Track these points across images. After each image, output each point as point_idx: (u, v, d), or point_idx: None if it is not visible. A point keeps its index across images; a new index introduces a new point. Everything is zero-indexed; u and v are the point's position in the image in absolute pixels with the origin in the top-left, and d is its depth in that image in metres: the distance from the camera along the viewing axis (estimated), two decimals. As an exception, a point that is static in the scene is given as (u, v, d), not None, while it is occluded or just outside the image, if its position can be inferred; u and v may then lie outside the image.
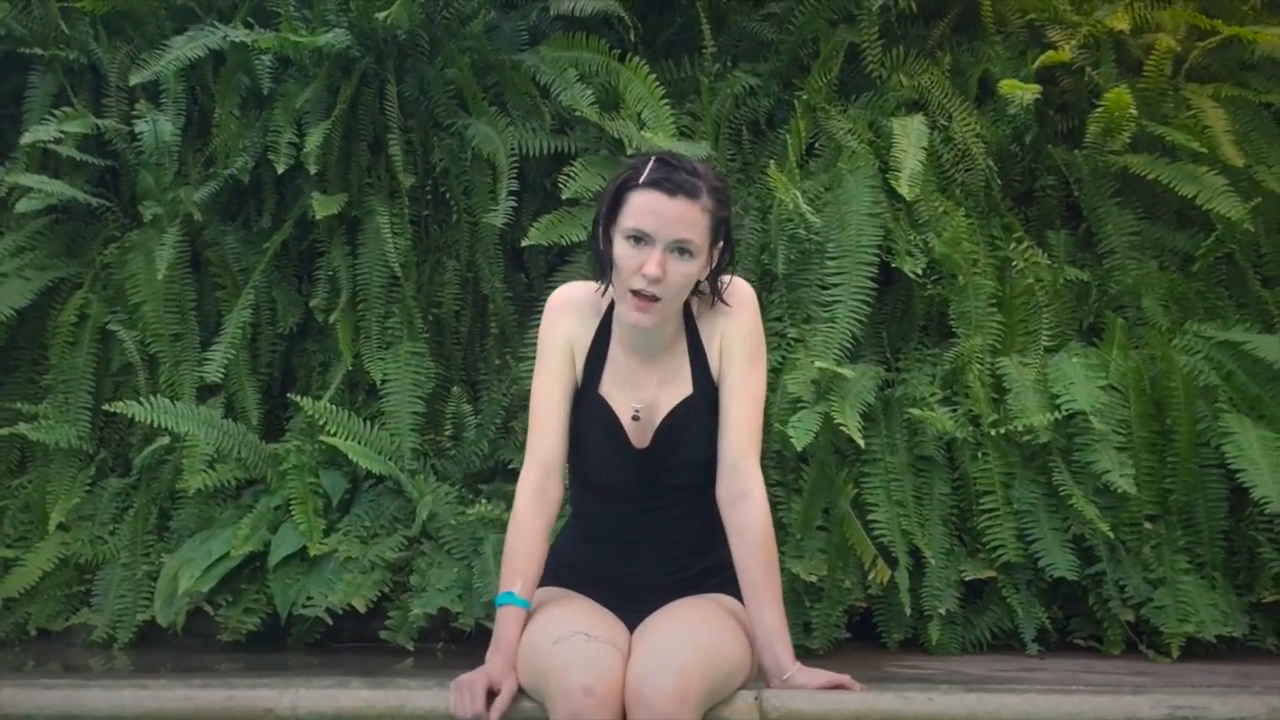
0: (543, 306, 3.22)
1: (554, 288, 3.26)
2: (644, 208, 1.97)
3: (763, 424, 2.14)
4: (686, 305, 2.13)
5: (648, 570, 2.13)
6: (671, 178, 1.98)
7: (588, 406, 2.13)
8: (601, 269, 2.08)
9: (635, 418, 2.12)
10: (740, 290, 2.14)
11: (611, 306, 2.13)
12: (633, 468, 2.11)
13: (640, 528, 2.12)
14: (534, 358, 3.18)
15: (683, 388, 2.12)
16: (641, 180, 1.98)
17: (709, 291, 2.11)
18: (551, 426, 2.11)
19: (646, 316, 2.00)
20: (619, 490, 2.13)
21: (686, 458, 2.11)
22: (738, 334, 2.11)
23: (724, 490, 2.09)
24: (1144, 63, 3.47)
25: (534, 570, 2.06)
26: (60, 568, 3.26)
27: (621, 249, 1.99)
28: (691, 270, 2.00)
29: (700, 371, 2.12)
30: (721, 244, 2.07)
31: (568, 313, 2.15)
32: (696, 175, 2.00)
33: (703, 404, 2.12)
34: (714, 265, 2.07)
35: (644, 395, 2.12)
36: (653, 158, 2.02)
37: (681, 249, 1.97)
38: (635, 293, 1.98)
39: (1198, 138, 3.32)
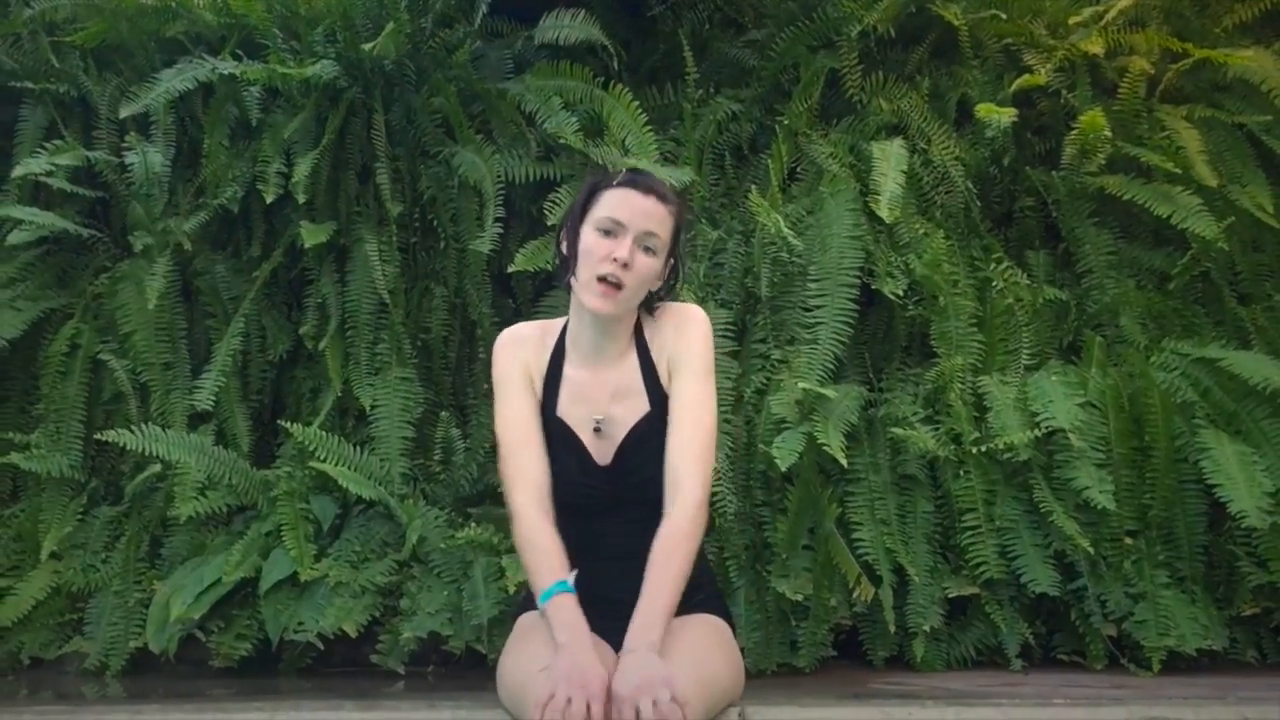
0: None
1: (542, 311, 3.41)
2: (618, 201, 2.14)
3: (713, 435, 2.18)
4: (637, 323, 2.25)
5: (627, 588, 2.16)
6: (643, 180, 2.19)
7: (549, 429, 2.21)
8: (563, 266, 2.23)
9: (597, 429, 2.19)
10: (692, 312, 2.26)
11: (562, 335, 2.26)
12: (598, 484, 2.18)
13: (613, 541, 2.16)
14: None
15: (640, 404, 2.20)
16: (615, 182, 2.17)
17: (657, 299, 2.27)
18: (533, 445, 2.19)
19: (609, 302, 2.13)
20: (587, 507, 2.18)
21: (651, 473, 2.16)
22: (687, 349, 2.20)
23: (666, 491, 2.13)
24: (1118, 85, 3.53)
25: (563, 560, 2.09)
26: (53, 596, 3.28)
27: (591, 239, 2.14)
28: (653, 267, 2.17)
29: (653, 388, 2.21)
30: (672, 261, 2.24)
31: (518, 345, 2.27)
32: (663, 185, 2.22)
33: (661, 421, 2.18)
34: (664, 278, 2.23)
35: (600, 408, 2.21)
36: (624, 169, 2.25)
37: (648, 244, 2.14)
38: (601, 279, 2.11)
39: (1172, 158, 3.38)
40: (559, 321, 2.30)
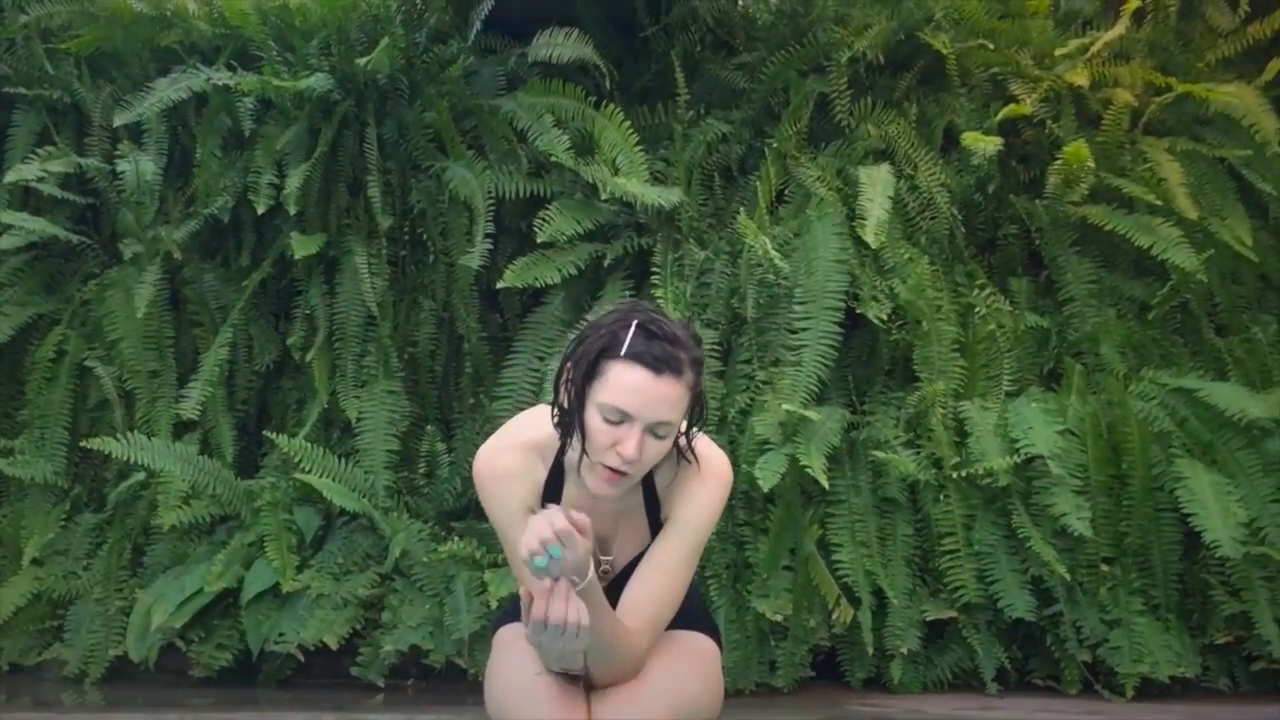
0: (517, 347, 3.40)
1: (529, 328, 3.43)
2: (625, 384, 1.84)
3: (675, 605, 2.00)
4: None
5: None
6: (654, 352, 1.84)
7: None
8: (566, 426, 1.93)
9: (605, 572, 2.05)
10: (716, 469, 2.02)
11: (559, 451, 2.00)
12: None
13: None
14: (507, 397, 3.30)
15: (642, 535, 2.05)
16: (624, 351, 1.84)
17: (672, 450, 1.97)
18: None
19: (615, 489, 1.91)
20: None
21: None
22: (695, 512, 1.99)
23: None
24: (1102, 117, 3.58)
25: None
26: (33, 602, 3.28)
27: (596, 422, 1.86)
28: (666, 445, 1.91)
29: (654, 519, 2.04)
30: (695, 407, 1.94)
31: (507, 480, 2.01)
32: (678, 345, 1.87)
33: None
34: (683, 427, 1.97)
35: (601, 532, 2.03)
36: (634, 323, 1.87)
37: (659, 431, 1.87)
38: (606, 466, 1.88)
39: (1154, 190, 3.43)
40: (549, 436, 1.99)
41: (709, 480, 2.00)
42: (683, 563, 1.99)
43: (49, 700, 3.03)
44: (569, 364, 1.92)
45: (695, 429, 1.98)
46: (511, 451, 2.02)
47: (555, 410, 1.95)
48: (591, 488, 1.92)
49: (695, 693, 2.09)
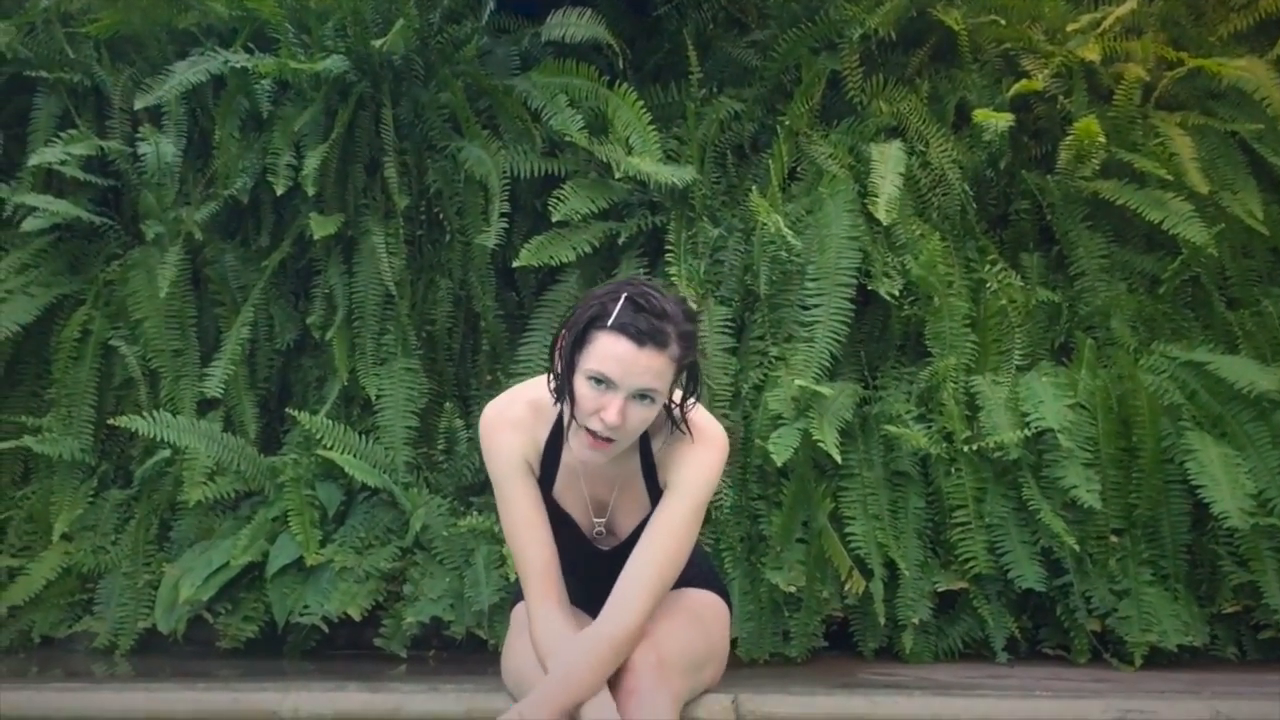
0: (533, 324, 3.45)
1: (545, 305, 3.47)
2: (609, 353, 1.93)
3: (678, 568, 2.08)
4: None
5: None
6: (639, 324, 1.92)
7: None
8: (558, 390, 2.04)
9: (599, 533, 2.17)
10: (712, 436, 2.11)
11: (560, 416, 2.10)
12: (597, 565, 2.17)
13: (601, 590, 2.12)
14: (523, 374, 3.36)
15: (642, 503, 2.14)
16: (610, 322, 1.93)
17: (667, 420, 2.09)
18: (537, 539, 2.10)
19: (600, 455, 2.00)
20: (583, 575, 2.19)
21: None
22: (694, 476, 2.08)
23: (611, 599, 2.04)
24: (1114, 91, 3.58)
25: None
26: (63, 577, 3.35)
27: (583, 387, 1.96)
28: (651, 413, 1.99)
29: (654, 489, 2.13)
30: (684, 377, 2.04)
31: (511, 429, 2.12)
32: (665, 318, 1.95)
33: None
34: (673, 399, 2.05)
35: (598, 497, 2.16)
36: (623, 296, 1.95)
37: (644, 395, 1.95)
38: (591, 432, 1.96)
39: (1165, 165, 3.43)
40: (551, 400, 2.10)
41: (702, 445, 2.09)
42: (683, 524, 2.07)
43: (80, 671, 3.09)
44: (563, 332, 2.04)
45: (690, 400, 2.08)
46: (518, 405, 2.14)
47: (551, 376, 2.06)
48: (576, 454, 2.02)
49: (700, 636, 2.16)
